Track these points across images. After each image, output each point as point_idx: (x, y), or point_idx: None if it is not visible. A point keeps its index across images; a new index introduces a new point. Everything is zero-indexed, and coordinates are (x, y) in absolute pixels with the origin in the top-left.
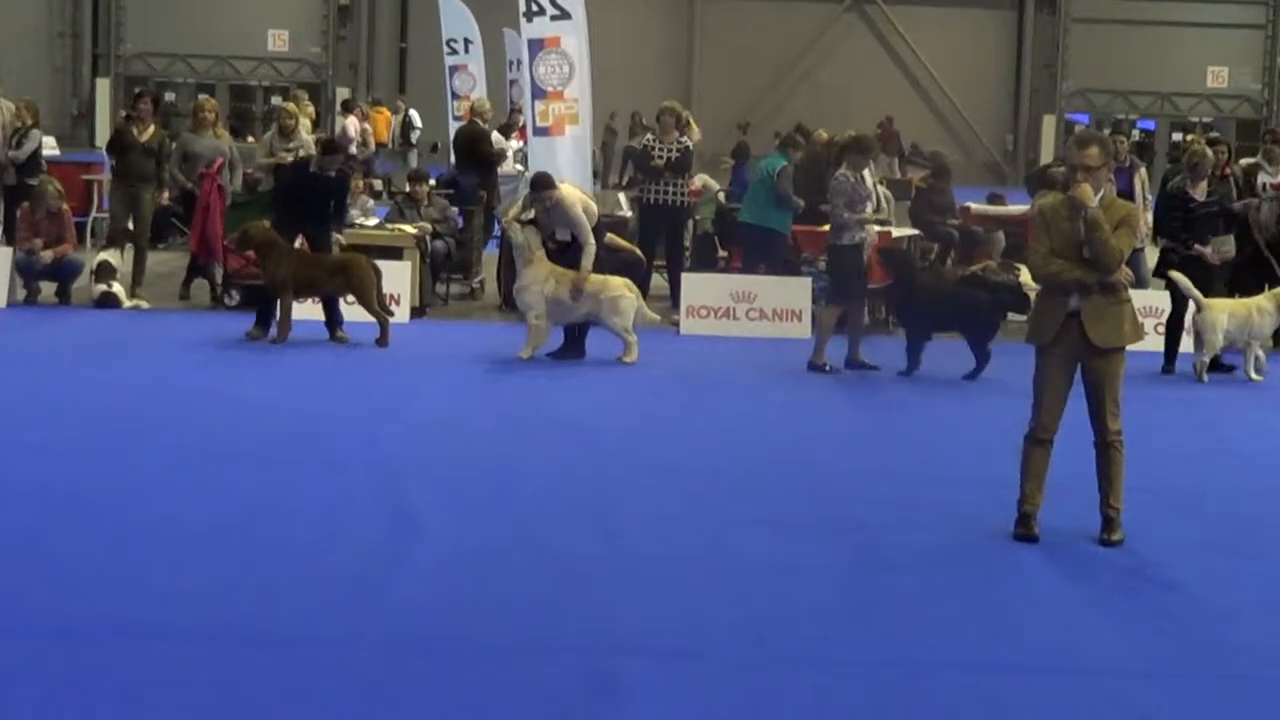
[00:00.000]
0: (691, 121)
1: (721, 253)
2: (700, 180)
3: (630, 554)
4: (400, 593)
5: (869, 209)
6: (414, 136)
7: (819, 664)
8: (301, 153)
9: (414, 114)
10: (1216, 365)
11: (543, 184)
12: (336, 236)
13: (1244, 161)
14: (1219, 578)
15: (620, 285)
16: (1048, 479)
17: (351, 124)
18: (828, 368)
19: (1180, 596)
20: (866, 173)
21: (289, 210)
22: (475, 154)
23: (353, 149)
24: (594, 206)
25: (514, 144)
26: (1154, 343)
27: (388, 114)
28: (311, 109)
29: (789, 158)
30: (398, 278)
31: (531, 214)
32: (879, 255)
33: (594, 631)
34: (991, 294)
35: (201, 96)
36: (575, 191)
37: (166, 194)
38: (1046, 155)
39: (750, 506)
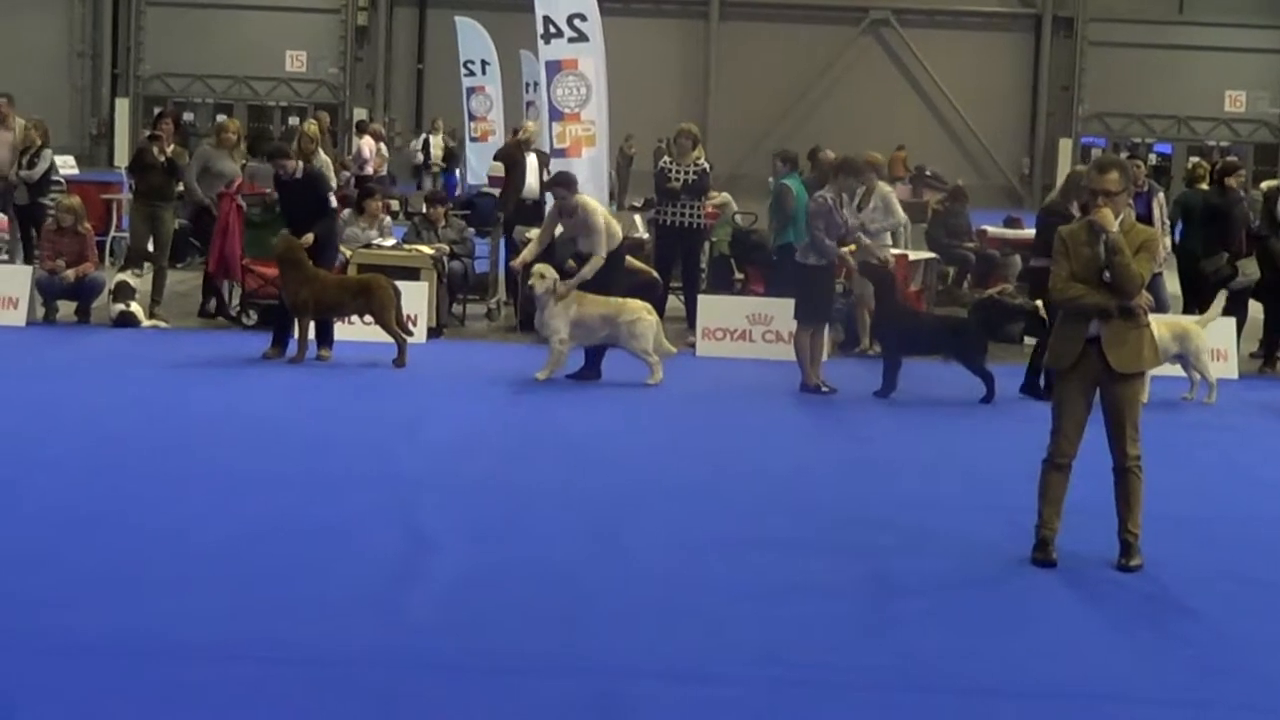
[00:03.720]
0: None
1: (738, 275)
2: (722, 197)
3: (643, 574)
4: (414, 611)
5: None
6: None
7: (833, 687)
8: None
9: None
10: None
11: (563, 182)
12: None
13: (1265, 185)
14: (1239, 605)
15: (639, 308)
16: (1066, 503)
17: (367, 144)
18: (824, 388)
19: (1200, 624)
20: (893, 195)
21: (285, 215)
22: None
23: (367, 169)
24: (618, 228)
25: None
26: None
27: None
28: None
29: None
30: (415, 298)
31: (551, 235)
32: (860, 272)
33: (607, 652)
34: (981, 314)
35: (225, 118)
36: (599, 205)
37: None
38: (1062, 179)
39: (763, 529)
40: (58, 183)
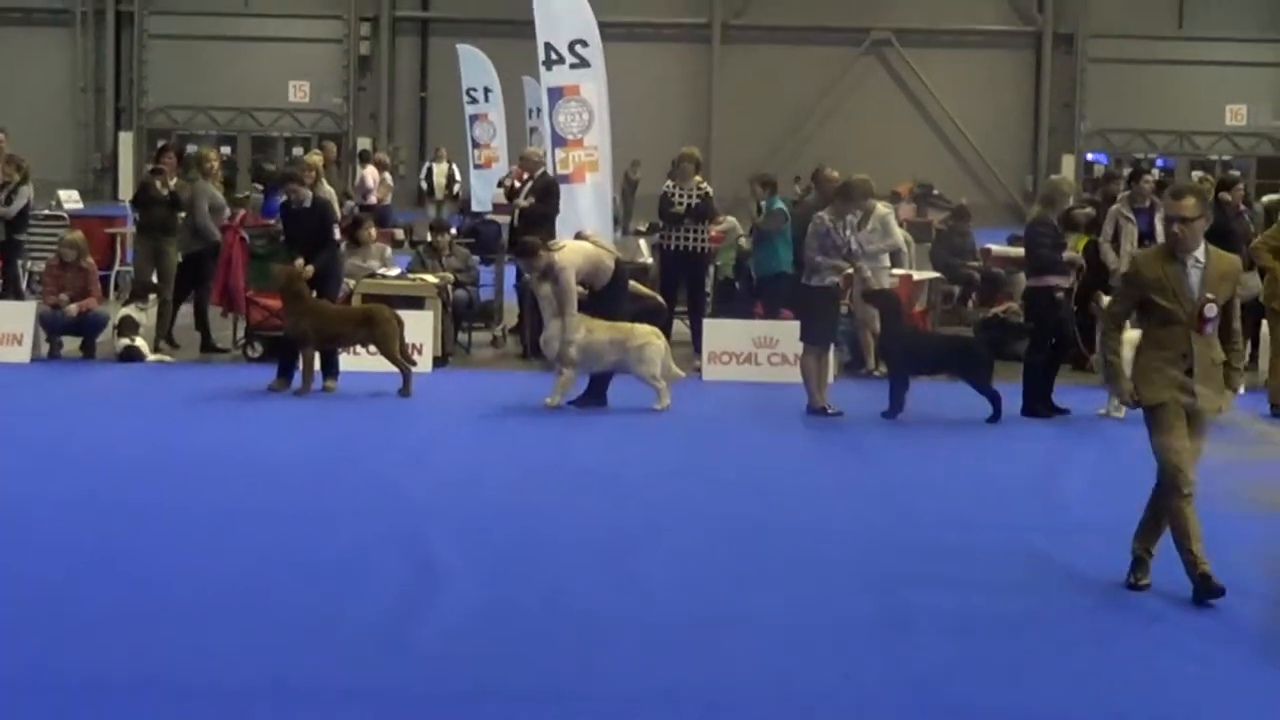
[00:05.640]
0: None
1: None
2: (727, 221)
3: (654, 605)
4: (424, 645)
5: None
6: (456, 189)
7: (848, 715)
8: None
9: (455, 167)
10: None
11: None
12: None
13: (1266, 199)
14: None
15: (647, 333)
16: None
17: (370, 174)
18: (830, 410)
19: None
20: (891, 217)
21: (290, 243)
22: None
23: (371, 199)
24: (609, 261)
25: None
26: None
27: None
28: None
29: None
30: (420, 327)
31: None
32: (865, 299)
33: (619, 685)
34: (987, 333)
35: (204, 148)
36: (577, 252)
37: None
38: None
39: (774, 555)
40: (59, 217)
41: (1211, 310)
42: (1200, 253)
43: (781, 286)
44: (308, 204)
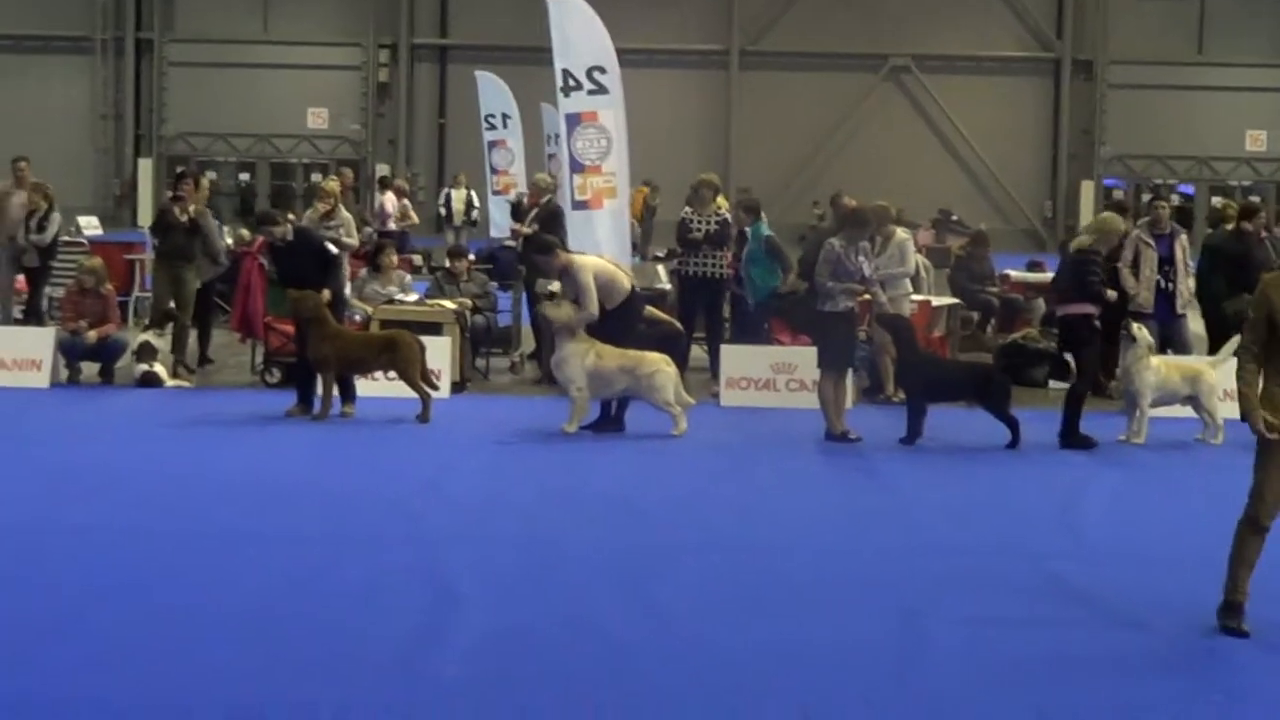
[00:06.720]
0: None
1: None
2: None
3: (674, 630)
4: (442, 670)
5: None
6: (474, 215)
7: None
8: (342, 231)
9: (473, 193)
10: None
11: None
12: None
13: None
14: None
15: (656, 360)
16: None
17: (389, 200)
18: (849, 436)
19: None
20: (909, 244)
21: (285, 278)
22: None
23: (389, 225)
24: (624, 282)
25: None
26: (1182, 409)
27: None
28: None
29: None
30: (438, 353)
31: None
32: (877, 322)
33: (638, 710)
34: (1005, 359)
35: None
36: (594, 261)
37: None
38: (1085, 221)
39: (793, 582)
40: (79, 244)
41: None
42: None
43: (778, 302)
44: (290, 237)
